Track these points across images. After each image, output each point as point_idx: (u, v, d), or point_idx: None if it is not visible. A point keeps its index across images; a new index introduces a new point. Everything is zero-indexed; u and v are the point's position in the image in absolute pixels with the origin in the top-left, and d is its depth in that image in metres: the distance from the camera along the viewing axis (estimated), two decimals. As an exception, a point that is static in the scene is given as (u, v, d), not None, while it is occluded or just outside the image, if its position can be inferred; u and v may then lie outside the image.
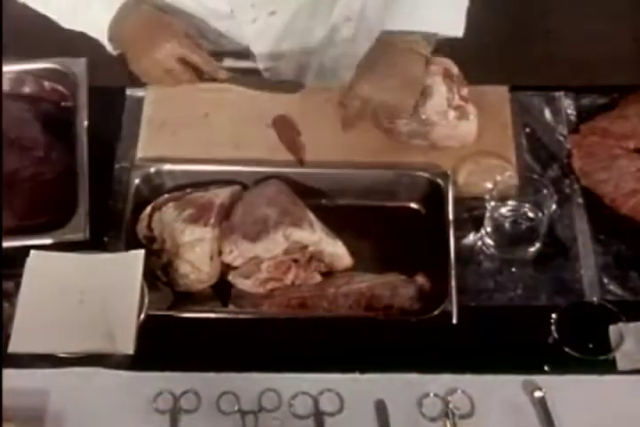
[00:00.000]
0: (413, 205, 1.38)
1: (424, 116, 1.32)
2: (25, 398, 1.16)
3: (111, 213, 1.33)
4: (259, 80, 1.51)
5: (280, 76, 1.57)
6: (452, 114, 1.32)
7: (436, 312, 1.20)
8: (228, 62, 1.54)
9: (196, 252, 1.25)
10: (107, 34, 1.39)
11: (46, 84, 1.44)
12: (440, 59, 1.36)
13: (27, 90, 1.45)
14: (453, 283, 1.23)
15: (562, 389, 1.16)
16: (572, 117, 1.43)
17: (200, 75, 1.42)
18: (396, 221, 1.36)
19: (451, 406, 1.15)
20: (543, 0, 2.84)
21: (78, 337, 1.15)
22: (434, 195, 1.33)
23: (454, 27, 1.33)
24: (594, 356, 1.14)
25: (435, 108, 1.32)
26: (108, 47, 1.42)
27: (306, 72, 1.61)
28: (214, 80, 1.43)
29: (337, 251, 1.27)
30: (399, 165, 1.35)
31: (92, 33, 1.41)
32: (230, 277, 1.27)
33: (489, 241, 1.29)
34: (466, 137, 1.35)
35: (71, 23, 1.43)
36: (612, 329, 1.17)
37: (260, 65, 1.55)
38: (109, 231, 1.31)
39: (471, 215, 1.33)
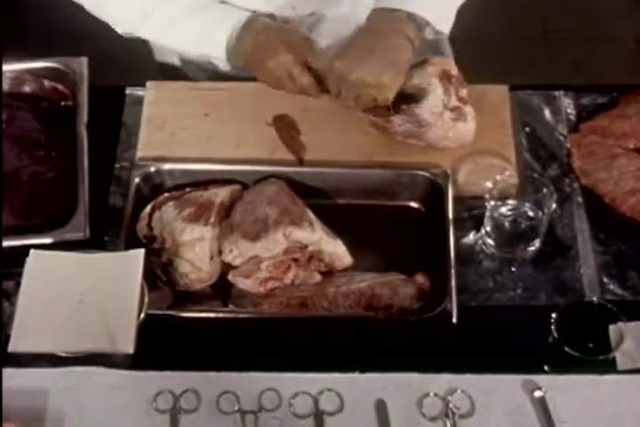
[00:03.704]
0: (413, 205, 1.37)
1: (419, 117, 1.32)
2: (25, 398, 1.16)
3: (111, 213, 1.34)
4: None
5: None
6: (447, 115, 1.32)
7: (435, 312, 1.20)
8: None
9: (196, 251, 1.25)
10: (224, 53, 1.31)
11: (46, 83, 1.44)
12: (439, 59, 1.36)
13: (27, 89, 1.44)
14: (453, 282, 1.22)
15: (562, 388, 1.16)
16: (572, 117, 1.44)
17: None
18: (395, 220, 1.35)
19: (451, 405, 1.15)
20: (543, 0, 2.84)
21: (78, 336, 1.15)
22: (434, 194, 1.33)
23: (442, 21, 1.29)
24: (594, 355, 1.14)
25: (430, 110, 1.32)
26: (225, 66, 1.34)
27: (317, 29, 1.50)
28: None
29: (337, 250, 1.27)
30: (399, 165, 1.35)
31: (215, 54, 1.33)
32: (230, 277, 1.27)
33: (489, 240, 1.29)
34: (462, 138, 1.35)
35: (194, 47, 1.35)
36: (612, 329, 1.16)
37: None
38: (109, 231, 1.31)
39: (471, 215, 1.33)
